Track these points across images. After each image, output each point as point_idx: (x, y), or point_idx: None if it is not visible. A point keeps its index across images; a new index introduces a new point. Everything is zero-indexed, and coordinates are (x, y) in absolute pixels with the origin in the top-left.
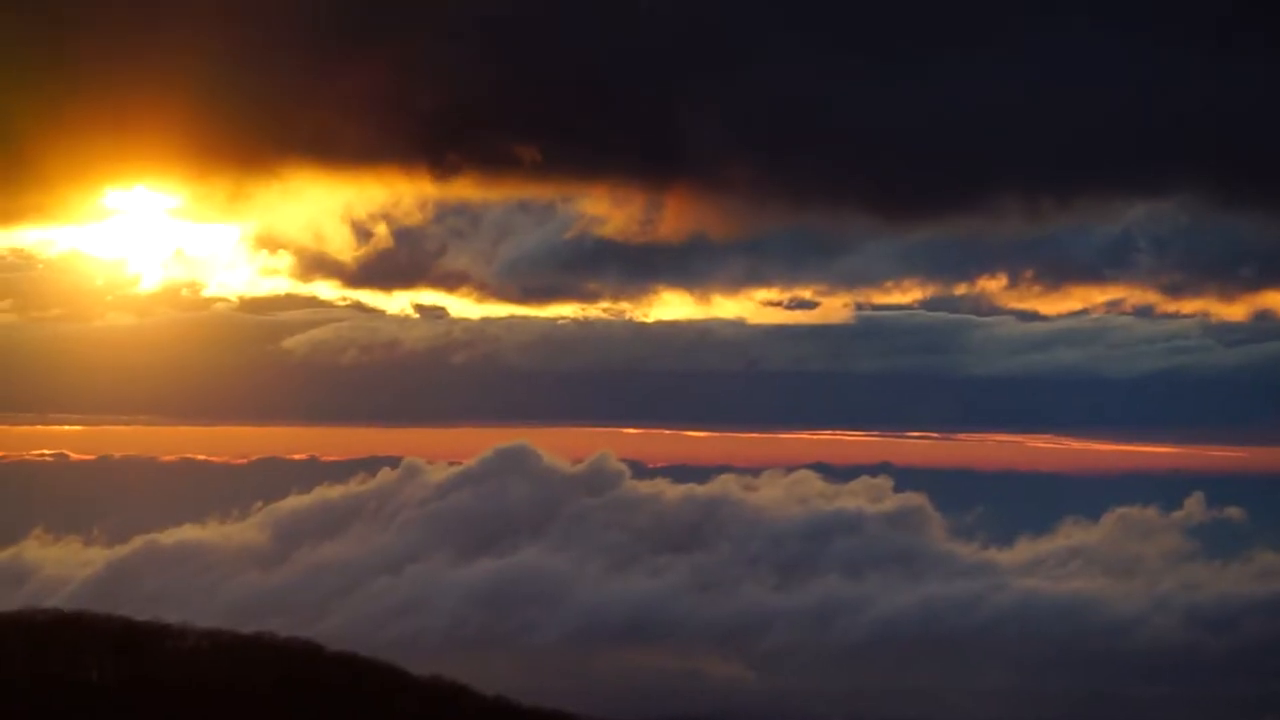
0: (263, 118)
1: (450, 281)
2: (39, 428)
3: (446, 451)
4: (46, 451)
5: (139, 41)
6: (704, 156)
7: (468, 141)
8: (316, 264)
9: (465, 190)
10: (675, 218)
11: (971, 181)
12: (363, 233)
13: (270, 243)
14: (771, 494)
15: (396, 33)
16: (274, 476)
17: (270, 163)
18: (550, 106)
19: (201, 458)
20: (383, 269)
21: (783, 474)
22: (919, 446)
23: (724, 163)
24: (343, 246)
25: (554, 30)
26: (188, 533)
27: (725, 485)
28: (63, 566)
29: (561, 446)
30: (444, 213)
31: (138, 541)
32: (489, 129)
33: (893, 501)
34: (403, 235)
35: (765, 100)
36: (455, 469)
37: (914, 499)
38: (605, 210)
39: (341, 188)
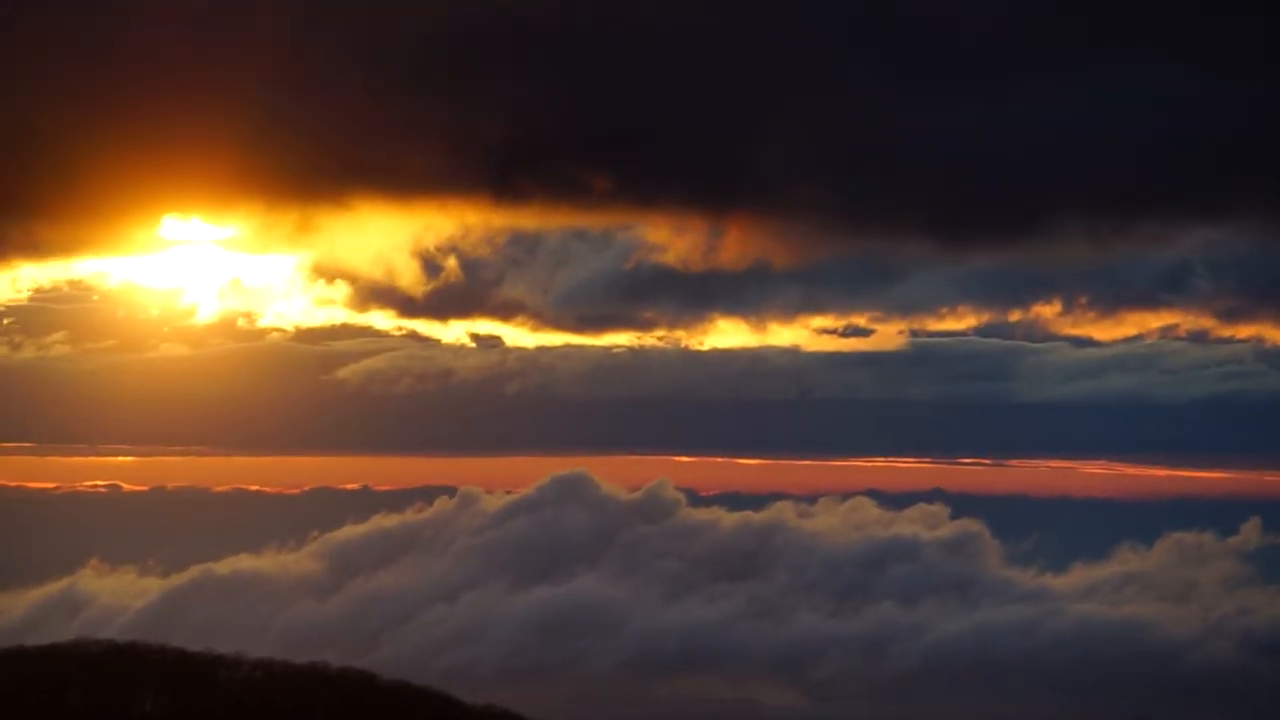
0: (326, 148)
1: (506, 311)
2: (92, 459)
3: (499, 481)
4: (100, 482)
5: (197, 73)
6: (767, 184)
7: (535, 169)
8: (372, 294)
9: (529, 219)
10: (737, 245)
11: (1032, 209)
12: (433, 267)
13: (326, 273)
14: (827, 521)
15: (463, 63)
16: (328, 506)
17: (333, 193)
18: (615, 136)
19: (255, 488)
20: (440, 299)
21: (838, 501)
22: (972, 473)
23: (787, 191)
24: (414, 281)
25: (618, 61)
26: (242, 563)
27: (780, 513)
28: (117, 597)
29: (615, 475)
30: (503, 241)
31: (192, 572)
32: (555, 157)
33: (949, 528)
34: (466, 265)
35: (828, 129)
36: (512, 497)
37: (970, 525)
38: (666, 238)
39: (406, 218)
